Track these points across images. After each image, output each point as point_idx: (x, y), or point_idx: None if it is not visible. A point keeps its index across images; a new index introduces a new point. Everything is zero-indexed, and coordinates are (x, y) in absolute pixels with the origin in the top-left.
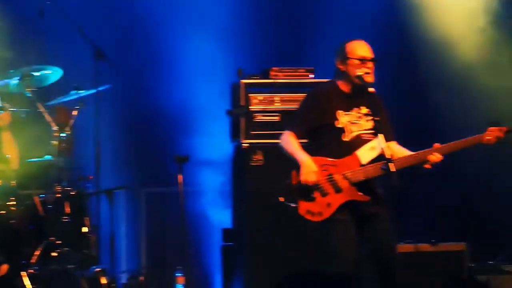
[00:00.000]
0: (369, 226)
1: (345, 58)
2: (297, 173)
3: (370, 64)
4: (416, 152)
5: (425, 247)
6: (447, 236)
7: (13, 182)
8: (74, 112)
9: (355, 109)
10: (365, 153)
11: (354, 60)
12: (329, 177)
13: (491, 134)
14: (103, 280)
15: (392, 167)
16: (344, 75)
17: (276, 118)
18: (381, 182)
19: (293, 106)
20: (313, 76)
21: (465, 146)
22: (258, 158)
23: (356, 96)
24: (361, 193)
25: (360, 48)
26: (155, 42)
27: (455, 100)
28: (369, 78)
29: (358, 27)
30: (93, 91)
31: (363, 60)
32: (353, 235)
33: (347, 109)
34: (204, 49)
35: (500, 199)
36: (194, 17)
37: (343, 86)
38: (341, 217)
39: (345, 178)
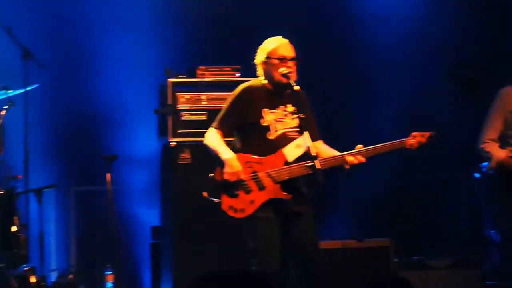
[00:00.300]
0: (292, 225)
1: (266, 57)
2: (221, 169)
3: (290, 63)
4: (340, 154)
5: (351, 243)
6: (374, 232)
7: None
8: (2, 112)
9: (281, 107)
10: (291, 151)
11: (274, 59)
12: (253, 174)
13: (414, 139)
14: (33, 279)
15: (318, 165)
16: (267, 74)
17: (203, 117)
18: (306, 181)
19: (220, 104)
20: (239, 74)
21: (388, 150)
22: (185, 156)
23: (282, 95)
24: (285, 192)
25: (280, 48)
26: (83, 41)
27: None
28: (290, 78)
29: (284, 26)
30: (21, 90)
31: (283, 59)
32: (276, 233)
33: (273, 107)
34: (131, 48)
35: (425, 196)
36: (121, 16)
37: (268, 85)
38: (264, 215)
39: (269, 176)
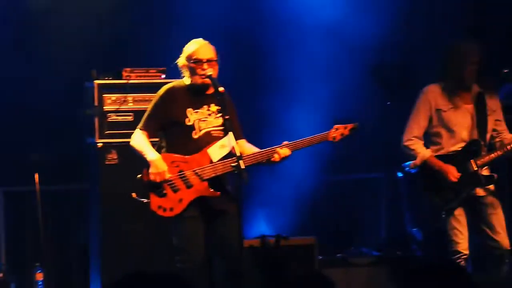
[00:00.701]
0: (218, 223)
1: (186, 60)
2: (147, 170)
3: (205, 66)
4: (264, 150)
5: (273, 241)
6: (299, 230)
7: None
8: None
9: (205, 106)
10: (216, 151)
11: (192, 62)
12: (180, 173)
13: (337, 131)
14: None
15: (242, 164)
16: (189, 76)
17: (130, 118)
18: (231, 179)
19: (146, 105)
20: (164, 76)
21: (311, 143)
22: (112, 157)
23: (205, 95)
24: (212, 189)
25: (197, 50)
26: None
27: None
28: (206, 79)
29: (204, 28)
30: None
31: (199, 62)
32: (200, 232)
33: (197, 107)
34: (56, 49)
35: (348, 195)
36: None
37: (191, 85)
38: (191, 214)
39: (196, 174)
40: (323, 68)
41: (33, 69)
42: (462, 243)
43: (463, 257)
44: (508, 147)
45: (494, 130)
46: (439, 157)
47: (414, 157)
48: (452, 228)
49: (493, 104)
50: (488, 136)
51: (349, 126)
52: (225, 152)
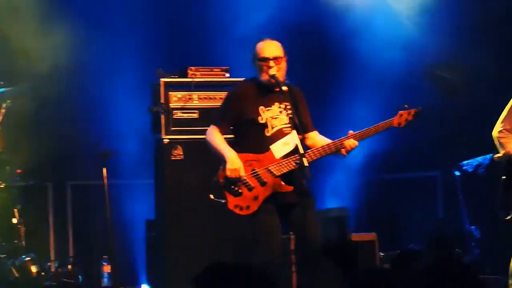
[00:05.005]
0: (294, 216)
1: (254, 58)
2: (223, 170)
3: (271, 63)
4: (332, 142)
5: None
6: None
7: None
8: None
9: (276, 103)
10: (279, 148)
11: (259, 61)
12: (253, 171)
13: (401, 118)
14: (33, 269)
15: (305, 162)
16: (257, 74)
17: (195, 115)
18: (302, 173)
19: (211, 103)
20: (228, 75)
21: (377, 131)
22: (177, 152)
23: (274, 92)
24: (285, 184)
25: (264, 49)
26: (78, 38)
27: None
28: (275, 77)
29: (270, 27)
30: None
31: (266, 60)
32: (278, 225)
33: (268, 104)
34: (123, 48)
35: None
36: (112, 18)
37: (261, 83)
38: (268, 208)
39: (268, 171)
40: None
41: (102, 67)
42: None
43: None
44: None
45: None
46: None
47: (500, 149)
48: None
49: None
50: None
51: (412, 111)
52: (288, 149)
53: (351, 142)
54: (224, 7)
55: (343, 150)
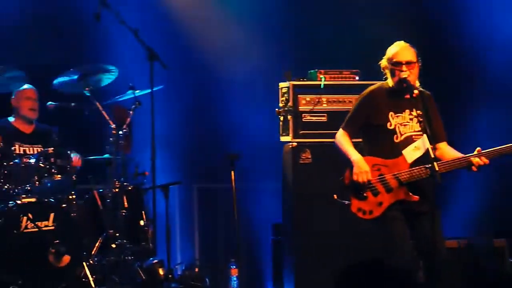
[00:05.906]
0: (418, 225)
1: (386, 61)
2: (350, 172)
3: (404, 68)
4: (464, 156)
5: (466, 242)
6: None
7: (74, 177)
8: (131, 111)
9: (407, 111)
10: (410, 153)
11: (392, 65)
12: (380, 177)
13: None
14: (161, 272)
15: (437, 166)
16: (390, 78)
17: (323, 119)
18: (428, 181)
19: (340, 107)
20: (358, 78)
21: (509, 151)
22: (306, 156)
23: (405, 99)
24: (411, 193)
25: (397, 53)
26: (205, 44)
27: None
28: (408, 82)
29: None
30: (147, 91)
31: (398, 64)
32: (407, 232)
33: (398, 111)
34: (251, 50)
35: None
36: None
37: (392, 88)
38: (397, 215)
39: (395, 178)
40: None
41: (228, 71)
42: None
43: None
44: None
45: None
46: None
47: None
48: None
49: None
50: None
51: None
52: (419, 154)
53: (482, 160)
54: None
55: (473, 166)
